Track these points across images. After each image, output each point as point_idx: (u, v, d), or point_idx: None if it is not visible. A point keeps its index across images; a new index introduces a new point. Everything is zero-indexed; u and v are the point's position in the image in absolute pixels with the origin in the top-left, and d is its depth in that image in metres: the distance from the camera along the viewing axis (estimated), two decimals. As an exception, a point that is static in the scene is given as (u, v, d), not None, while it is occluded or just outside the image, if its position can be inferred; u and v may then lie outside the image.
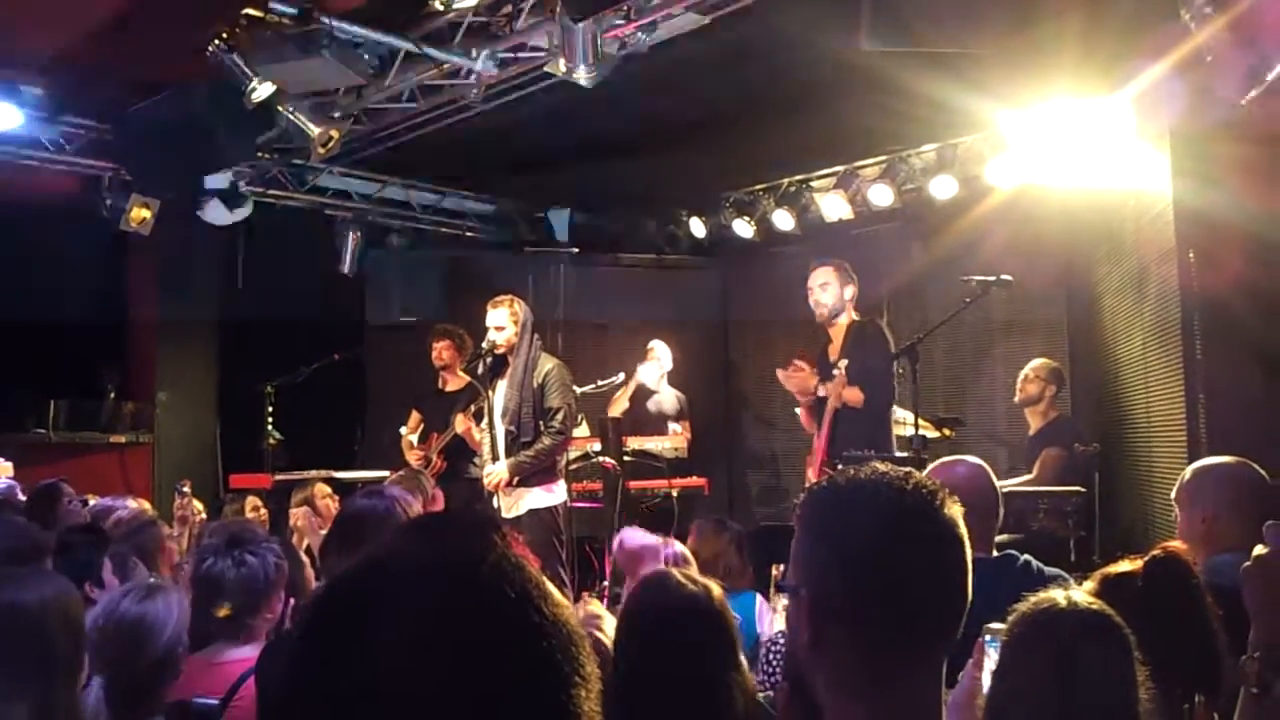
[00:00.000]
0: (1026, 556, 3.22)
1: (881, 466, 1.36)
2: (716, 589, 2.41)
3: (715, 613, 2.35)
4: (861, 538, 1.31)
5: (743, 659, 2.35)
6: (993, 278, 5.25)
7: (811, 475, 5.60)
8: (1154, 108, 4.98)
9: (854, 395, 5.54)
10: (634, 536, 3.64)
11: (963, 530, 1.33)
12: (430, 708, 0.75)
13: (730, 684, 2.24)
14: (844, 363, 5.49)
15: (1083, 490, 5.58)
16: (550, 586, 0.83)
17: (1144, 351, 5.79)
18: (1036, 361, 6.42)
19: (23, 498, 5.32)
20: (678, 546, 3.62)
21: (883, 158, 7.82)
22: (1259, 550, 1.55)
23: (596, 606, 2.76)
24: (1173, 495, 3.26)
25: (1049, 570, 3.15)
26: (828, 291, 5.66)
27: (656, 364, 8.01)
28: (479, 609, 0.79)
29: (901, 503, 1.30)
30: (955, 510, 1.33)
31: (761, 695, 2.34)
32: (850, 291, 5.62)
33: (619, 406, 7.79)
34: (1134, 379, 6.05)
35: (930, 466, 3.49)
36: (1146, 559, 2.21)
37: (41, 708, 2.04)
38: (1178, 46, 4.52)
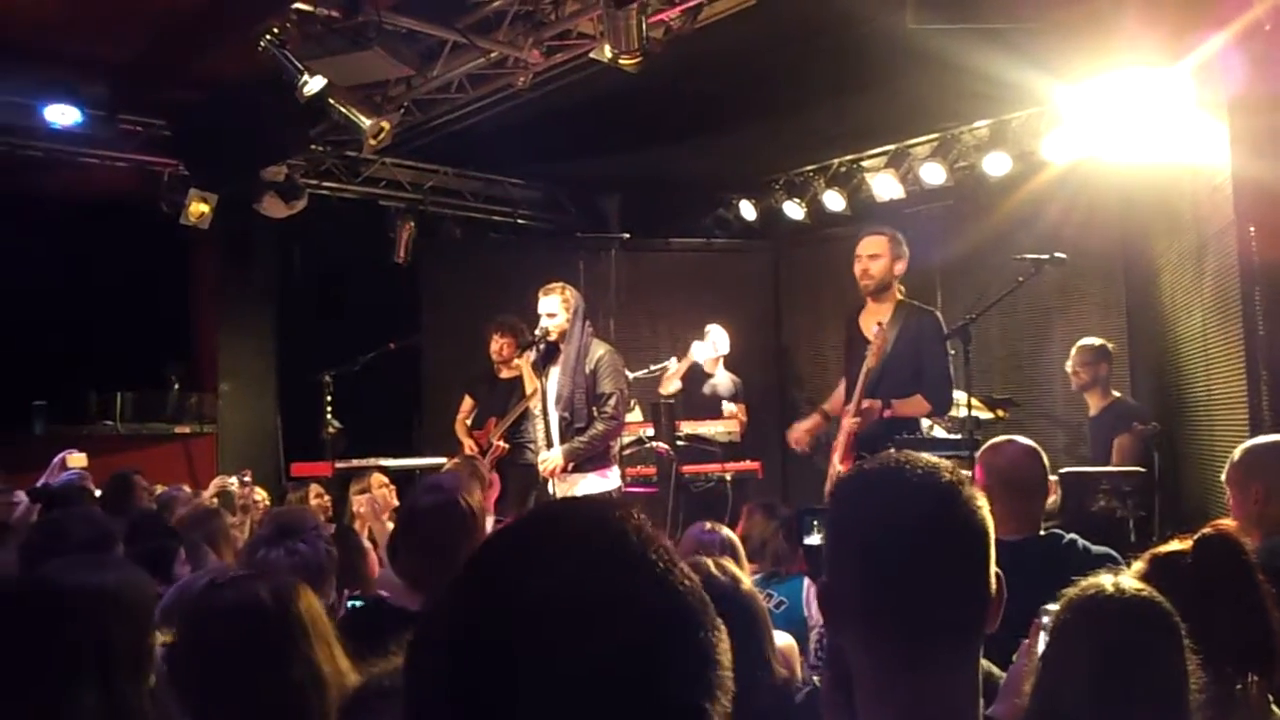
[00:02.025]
0: (1073, 536, 3.17)
1: (905, 456, 1.35)
2: (746, 580, 2.39)
3: (744, 605, 2.31)
4: (873, 530, 1.31)
5: (772, 651, 2.31)
6: (1046, 256, 5.15)
7: (836, 461, 5.52)
8: (1213, 78, 4.87)
9: (918, 407, 5.47)
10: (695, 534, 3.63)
11: (984, 521, 1.31)
12: (605, 649, 0.78)
13: (756, 679, 2.19)
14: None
15: (1142, 470, 5.49)
16: (678, 558, 0.88)
17: (1204, 328, 5.67)
18: (1079, 345, 6.23)
19: (94, 489, 5.47)
20: (724, 532, 3.61)
21: (934, 135, 7.74)
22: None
23: None
24: (1224, 475, 3.21)
25: (1097, 549, 3.10)
26: (877, 263, 5.47)
27: (711, 345, 8.01)
28: (635, 565, 0.83)
29: (916, 494, 1.29)
30: (976, 501, 1.31)
31: (816, 678, 2.33)
32: (900, 266, 5.46)
33: (670, 385, 7.79)
34: (1194, 356, 5.94)
35: (982, 448, 3.46)
36: (1196, 538, 2.17)
37: (104, 700, 1.99)
38: (1238, 16, 4.42)
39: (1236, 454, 3.15)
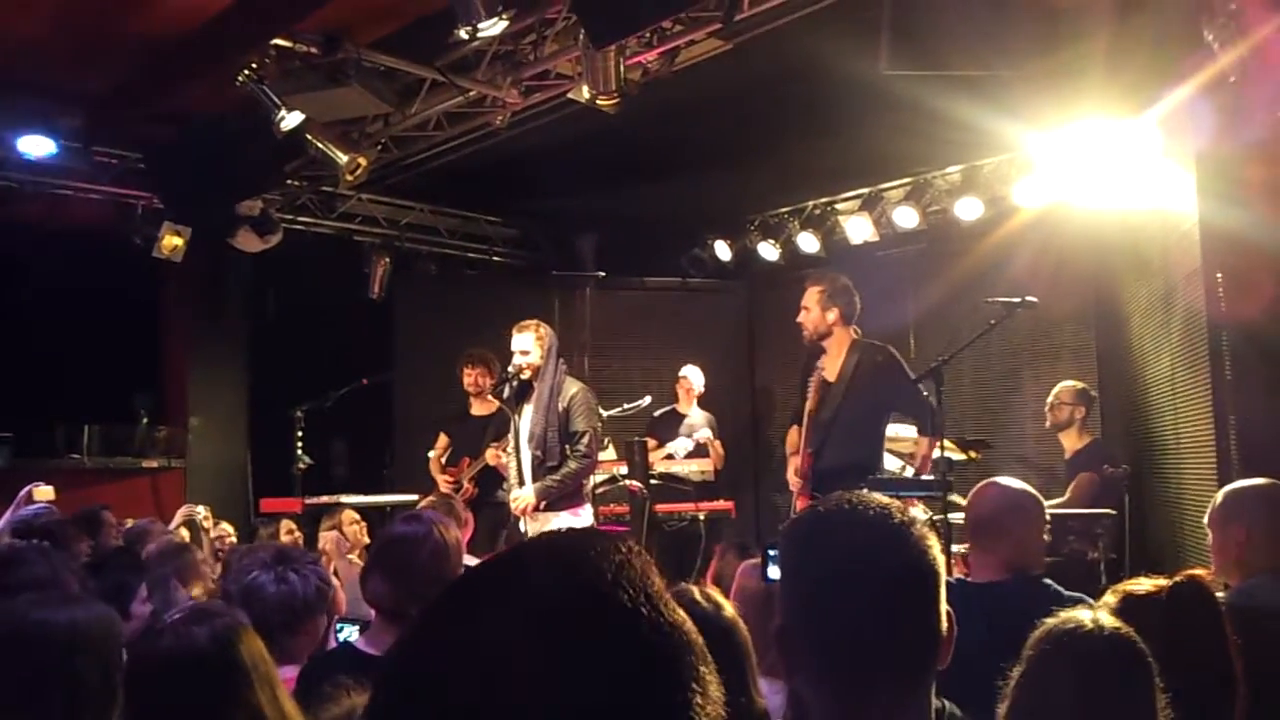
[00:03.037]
0: (1046, 579, 3.17)
1: (855, 497, 1.36)
2: (729, 607, 2.39)
3: (725, 631, 2.30)
4: (824, 571, 1.32)
5: (754, 680, 2.30)
6: (1018, 299, 5.21)
7: (796, 500, 5.58)
8: (1180, 129, 4.97)
9: (924, 447, 5.59)
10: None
11: (934, 560, 1.32)
12: (543, 700, 0.75)
13: (736, 706, 2.19)
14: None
15: (1113, 512, 5.53)
16: (670, 599, 0.84)
17: (1172, 372, 5.74)
18: (1062, 385, 6.38)
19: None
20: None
21: (908, 179, 7.83)
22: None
23: None
24: (1205, 518, 3.24)
25: (1068, 594, 3.10)
26: (808, 315, 5.64)
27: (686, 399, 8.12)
28: (599, 611, 0.79)
29: (866, 535, 1.31)
30: (925, 541, 1.33)
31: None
32: (833, 314, 5.59)
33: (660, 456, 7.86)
34: (1163, 400, 6.01)
35: (971, 493, 3.45)
36: (1171, 584, 2.20)
37: None
38: (1203, 69, 4.51)
39: (1219, 497, 3.18)
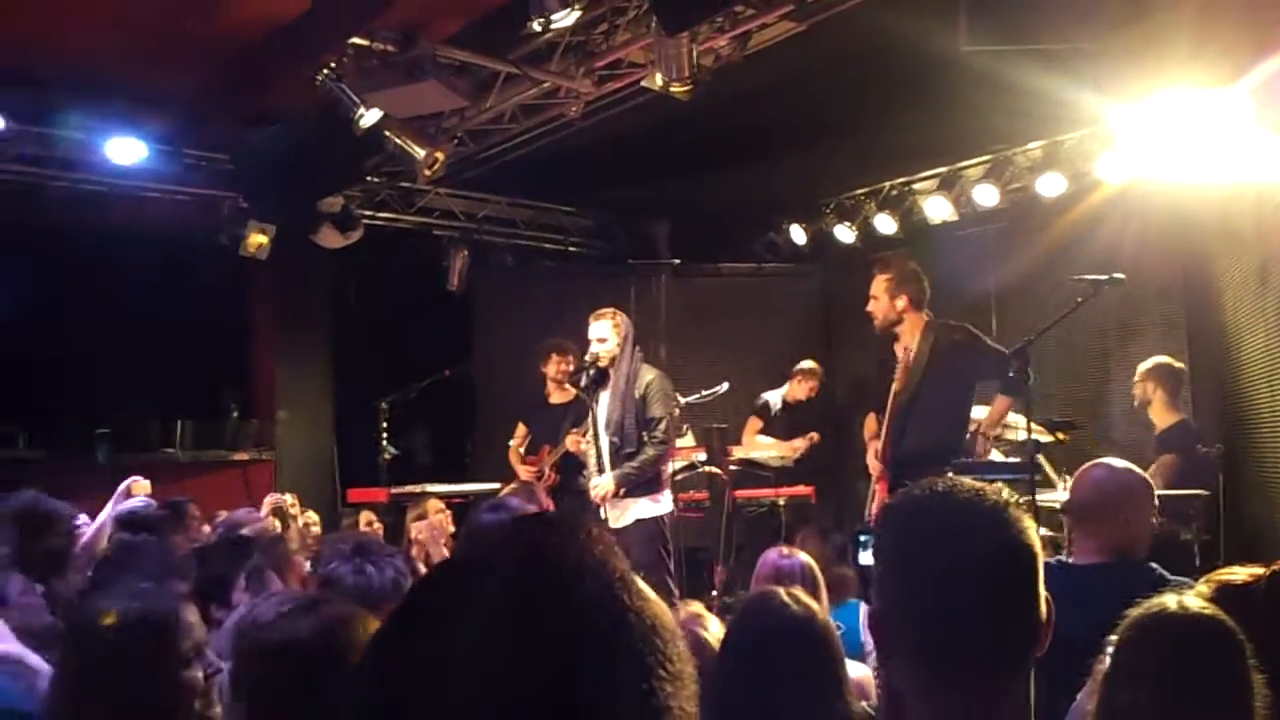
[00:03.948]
0: (1151, 564, 3.11)
1: (951, 481, 1.34)
2: (820, 611, 2.36)
3: (819, 636, 2.28)
4: (920, 557, 1.30)
5: (847, 683, 2.26)
6: (1104, 276, 5.09)
7: (875, 485, 5.53)
8: (1273, 98, 4.81)
9: (1000, 409, 5.52)
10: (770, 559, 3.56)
11: (1032, 544, 1.29)
12: (505, 693, 0.75)
13: (833, 710, 2.15)
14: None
15: (1205, 493, 5.39)
16: (640, 582, 0.83)
17: (1268, 348, 5.57)
18: (1143, 365, 6.22)
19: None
20: (802, 557, 3.55)
21: (987, 157, 7.69)
22: None
23: (699, 607, 2.74)
24: None
25: (1172, 577, 3.04)
26: (876, 304, 5.58)
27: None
28: (558, 596, 0.79)
29: (963, 520, 1.29)
30: (1022, 524, 1.30)
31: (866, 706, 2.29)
32: (903, 301, 5.51)
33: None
34: (1258, 376, 5.83)
35: (1077, 472, 3.39)
36: (1270, 572, 2.14)
37: None
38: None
39: None
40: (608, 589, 0.80)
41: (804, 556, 3.52)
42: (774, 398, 8.22)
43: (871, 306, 5.61)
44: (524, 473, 7.04)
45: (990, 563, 1.28)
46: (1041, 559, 1.30)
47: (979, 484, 1.34)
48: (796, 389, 8.23)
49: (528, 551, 0.83)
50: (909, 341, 5.51)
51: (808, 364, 8.24)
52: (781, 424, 8.10)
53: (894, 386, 5.43)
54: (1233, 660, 1.75)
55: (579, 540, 0.83)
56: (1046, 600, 1.30)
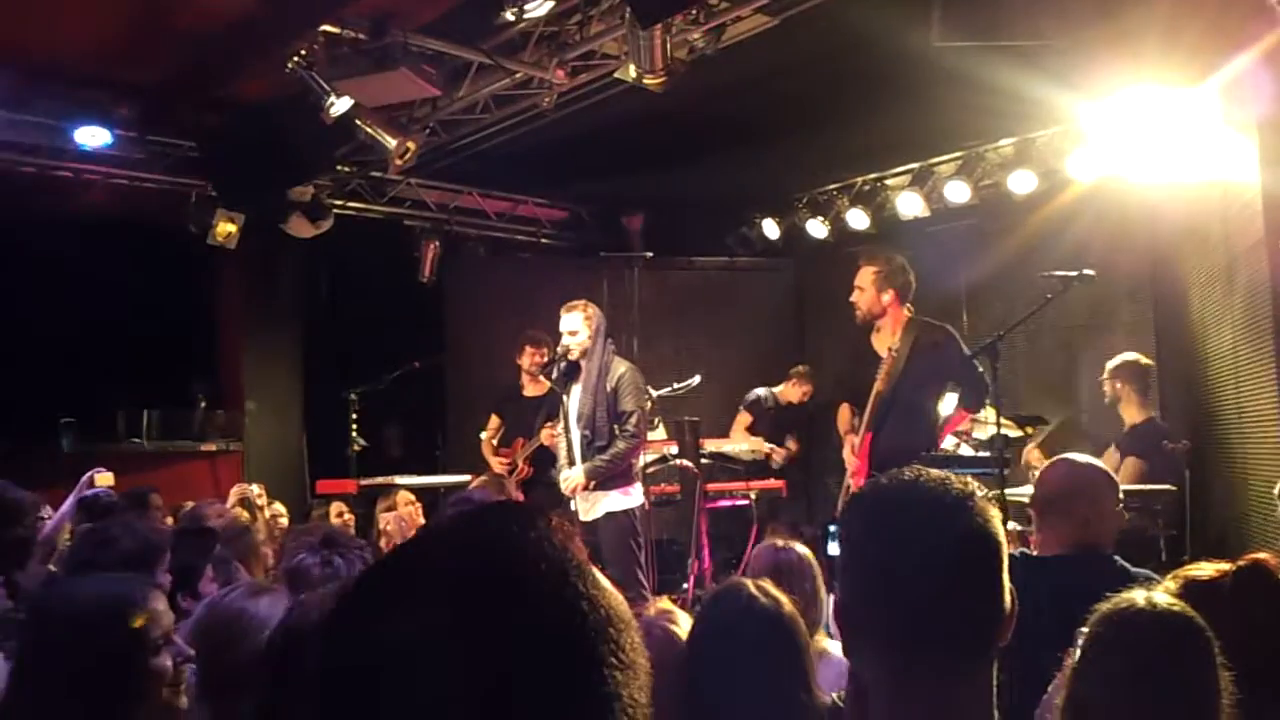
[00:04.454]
0: (1116, 557, 3.15)
1: (916, 472, 1.34)
2: (788, 602, 2.35)
3: (786, 628, 2.27)
4: (878, 547, 1.31)
5: (814, 675, 2.25)
6: (1074, 273, 5.12)
7: (849, 479, 5.54)
8: (1243, 97, 4.85)
9: (954, 416, 5.54)
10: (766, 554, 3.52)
11: (996, 535, 1.30)
12: (453, 681, 0.74)
13: (797, 702, 2.15)
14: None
15: (1173, 488, 5.44)
16: (595, 571, 0.83)
17: (1234, 346, 5.62)
18: (1111, 362, 6.27)
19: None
20: (799, 550, 3.50)
21: (959, 154, 7.72)
22: None
23: (668, 604, 2.73)
24: (1276, 491, 3.17)
25: (1137, 570, 3.07)
26: (862, 295, 5.58)
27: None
28: (508, 585, 0.78)
29: (920, 512, 1.29)
30: (986, 514, 1.30)
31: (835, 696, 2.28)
32: (889, 296, 5.51)
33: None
34: (1224, 374, 5.89)
35: (1042, 468, 3.41)
36: (1235, 568, 2.16)
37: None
38: (1267, 34, 4.39)
39: None
40: (562, 578, 0.79)
41: (802, 548, 3.49)
42: (765, 394, 8.25)
43: (856, 297, 5.60)
44: (497, 465, 7.02)
45: (956, 552, 1.28)
46: (1006, 549, 1.31)
47: (945, 474, 1.34)
48: (791, 391, 8.26)
49: (481, 539, 0.82)
50: (889, 337, 5.51)
51: (805, 368, 8.31)
52: (767, 422, 8.12)
53: (877, 386, 5.42)
54: (1201, 657, 1.76)
55: (535, 528, 0.82)
56: (1010, 590, 1.30)
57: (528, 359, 7.10)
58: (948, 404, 5.88)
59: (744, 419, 8.09)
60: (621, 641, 0.80)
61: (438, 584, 0.78)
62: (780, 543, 3.56)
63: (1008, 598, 1.29)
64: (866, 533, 1.34)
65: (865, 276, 5.57)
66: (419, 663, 0.75)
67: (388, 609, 0.78)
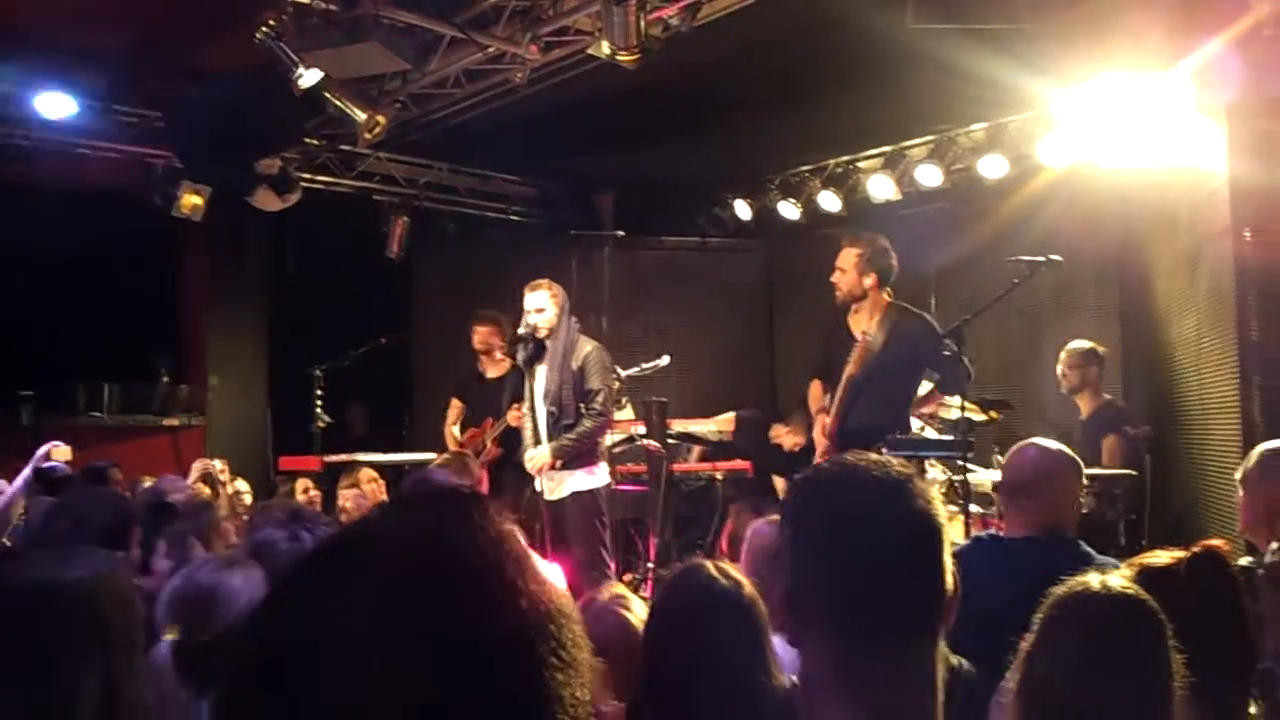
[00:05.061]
0: (1080, 542, 3.19)
1: (858, 457, 1.35)
2: (749, 584, 2.34)
3: (745, 609, 2.26)
4: (823, 531, 1.31)
5: (773, 657, 2.25)
6: (1041, 258, 5.14)
7: (817, 459, 5.54)
8: (1212, 82, 4.87)
9: (929, 399, 5.56)
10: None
11: (937, 518, 1.30)
12: (384, 680, 0.70)
13: (756, 684, 2.14)
14: (865, 335, 5.42)
15: (1133, 473, 5.48)
16: (535, 564, 0.79)
17: (1198, 332, 5.67)
18: (1068, 349, 6.29)
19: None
20: None
21: (931, 137, 7.72)
22: (1271, 555, 1.51)
23: (621, 589, 2.72)
24: (1238, 475, 3.21)
25: (1100, 557, 3.12)
26: (844, 277, 5.57)
27: None
28: (441, 579, 0.75)
29: (862, 495, 1.29)
30: (927, 497, 1.31)
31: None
32: (870, 280, 5.51)
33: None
34: (1187, 360, 5.94)
35: (1010, 451, 3.46)
36: (1189, 556, 2.19)
37: (107, 681, 2.04)
38: (1237, 20, 4.41)
39: (1254, 455, 3.15)
40: (498, 574, 0.76)
41: None
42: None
43: (837, 278, 5.59)
44: (454, 443, 6.98)
45: (898, 535, 1.28)
46: (948, 532, 1.31)
47: (884, 459, 1.35)
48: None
49: (414, 533, 0.78)
50: (867, 320, 5.51)
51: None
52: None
53: (848, 370, 5.42)
54: (1152, 640, 1.78)
55: (472, 520, 0.79)
56: (953, 572, 1.30)
57: (477, 338, 7.08)
58: (923, 388, 5.90)
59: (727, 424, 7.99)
60: (563, 638, 0.76)
61: (366, 582, 0.74)
62: (775, 518, 3.50)
63: (950, 579, 1.29)
64: (809, 518, 1.34)
65: (848, 258, 5.55)
66: (342, 667, 0.71)
67: (313, 608, 0.74)
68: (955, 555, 3.31)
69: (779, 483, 7.24)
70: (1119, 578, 1.94)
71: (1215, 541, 2.41)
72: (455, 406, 7.28)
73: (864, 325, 5.51)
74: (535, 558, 0.80)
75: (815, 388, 5.82)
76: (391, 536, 0.78)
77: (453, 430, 7.21)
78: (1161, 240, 6.52)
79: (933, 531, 1.30)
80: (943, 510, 1.33)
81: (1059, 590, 1.88)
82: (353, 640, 0.71)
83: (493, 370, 7.12)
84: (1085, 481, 5.11)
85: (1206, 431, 5.56)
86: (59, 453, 4.96)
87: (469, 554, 0.76)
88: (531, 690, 0.74)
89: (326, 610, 0.73)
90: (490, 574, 0.76)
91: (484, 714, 0.72)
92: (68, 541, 3.03)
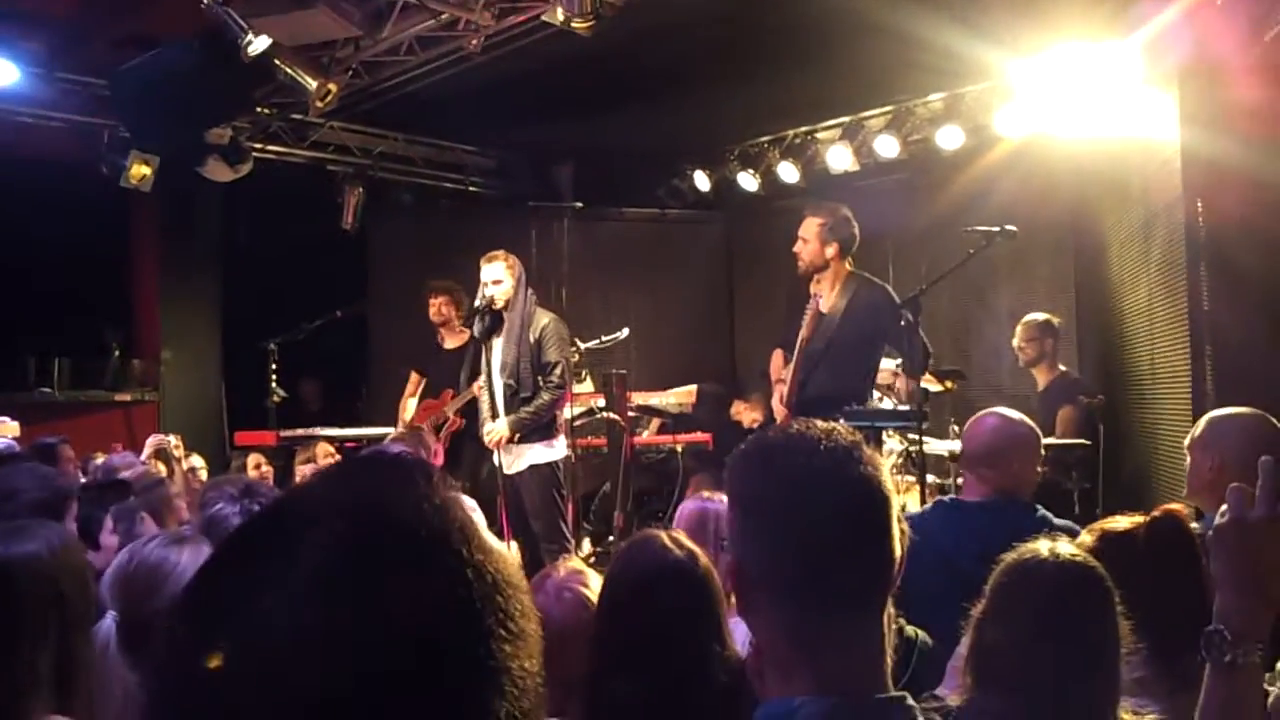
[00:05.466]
0: (1039, 507, 3.28)
1: (803, 424, 1.34)
2: (703, 555, 2.34)
3: (699, 580, 2.25)
4: (771, 500, 1.30)
5: (727, 628, 2.25)
6: (997, 229, 5.16)
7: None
8: (1163, 52, 4.89)
9: (904, 385, 5.59)
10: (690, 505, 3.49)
11: (883, 486, 1.30)
12: (322, 653, 0.68)
13: (710, 654, 2.15)
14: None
15: (1087, 443, 5.55)
16: (482, 533, 0.76)
17: (1150, 301, 5.73)
18: (1024, 321, 6.36)
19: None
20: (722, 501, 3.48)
21: (889, 108, 7.72)
22: (1220, 516, 1.52)
23: (577, 563, 2.71)
24: (1186, 442, 3.25)
25: (1060, 521, 3.19)
26: (806, 247, 5.55)
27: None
28: (384, 548, 0.72)
29: (810, 462, 1.28)
30: (875, 465, 1.30)
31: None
32: (832, 250, 5.51)
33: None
34: (1139, 329, 6.00)
35: (970, 420, 3.55)
36: (1149, 520, 2.21)
37: (62, 656, 2.03)
38: (1188, -11, 4.43)
39: (1201, 423, 3.19)
40: (443, 543, 0.73)
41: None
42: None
43: (799, 248, 5.57)
44: (404, 419, 6.94)
45: (848, 501, 1.27)
46: (895, 499, 1.30)
47: (830, 425, 1.33)
48: (745, 413, 8.15)
49: (354, 501, 0.75)
50: (826, 289, 5.50)
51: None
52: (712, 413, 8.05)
53: (802, 334, 5.42)
54: (1100, 606, 1.81)
55: (417, 486, 0.76)
56: (899, 538, 1.29)
57: (434, 310, 7.04)
58: (888, 361, 5.92)
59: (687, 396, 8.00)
60: (510, 609, 0.74)
61: (304, 552, 0.71)
62: (706, 494, 3.55)
63: (898, 546, 1.28)
64: (755, 486, 1.33)
65: (809, 228, 5.53)
66: (280, 639, 0.68)
67: (248, 579, 0.71)
68: (919, 516, 3.37)
69: None
70: (1068, 545, 1.96)
71: (1174, 506, 2.45)
72: (414, 380, 7.23)
73: (825, 295, 5.51)
74: (482, 528, 0.78)
75: (777, 357, 5.81)
76: (331, 504, 0.75)
77: (406, 403, 7.15)
78: (1115, 210, 6.58)
79: (881, 497, 1.29)
80: (889, 476, 1.32)
81: (1009, 558, 1.90)
82: (290, 612, 0.68)
83: (451, 341, 7.07)
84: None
85: (1158, 400, 5.63)
86: (5, 428, 4.88)
87: (412, 521, 0.73)
88: (479, 661, 0.72)
89: (262, 580, 0.70)
90: (435, 542, 0.73)
91: (430, 687, 0.70)
92: None
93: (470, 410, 6.74)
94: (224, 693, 0.68)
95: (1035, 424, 3.43)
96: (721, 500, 3.45)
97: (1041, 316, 6.33)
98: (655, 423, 7.84)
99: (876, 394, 6.03)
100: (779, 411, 5.57)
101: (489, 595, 0.73)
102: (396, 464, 0.80)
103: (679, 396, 7.88)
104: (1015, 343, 6.34)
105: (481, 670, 0.72)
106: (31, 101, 6.95)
